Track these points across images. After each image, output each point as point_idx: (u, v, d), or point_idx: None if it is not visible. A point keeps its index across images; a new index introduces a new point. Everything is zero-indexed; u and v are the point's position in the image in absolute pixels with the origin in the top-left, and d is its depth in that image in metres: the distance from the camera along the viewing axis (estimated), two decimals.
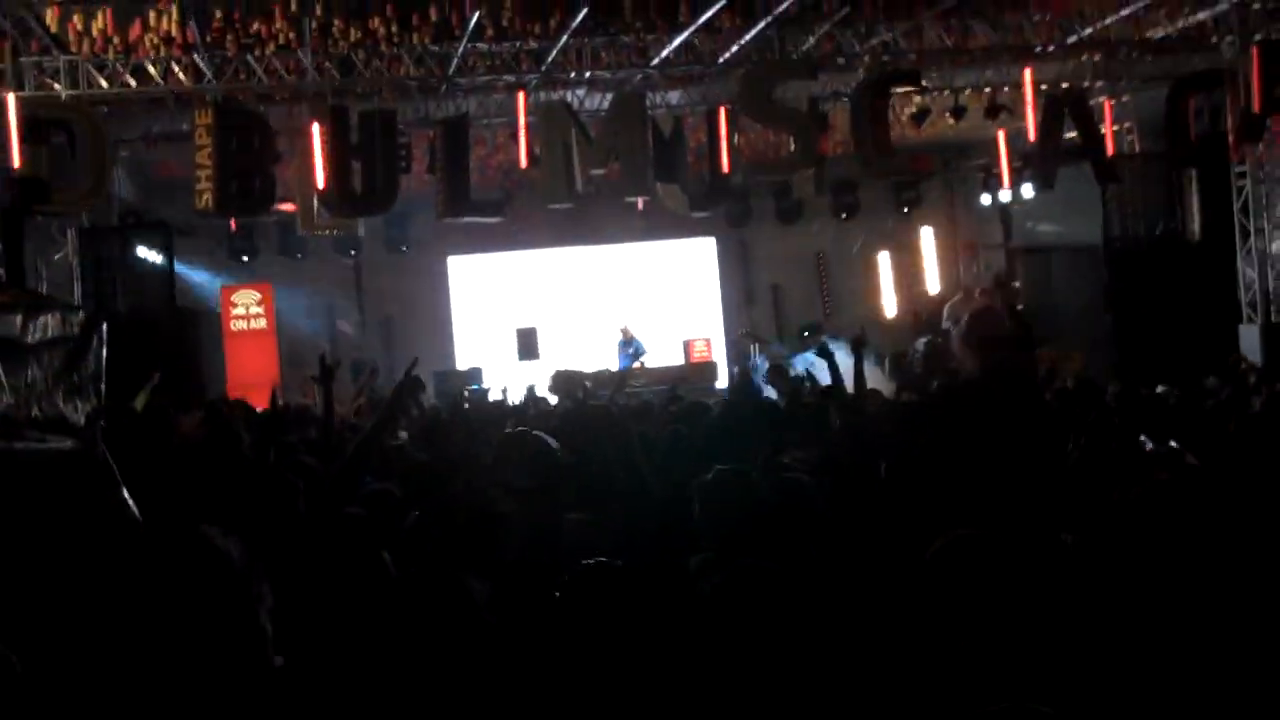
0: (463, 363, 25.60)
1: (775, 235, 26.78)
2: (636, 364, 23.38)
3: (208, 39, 17.06)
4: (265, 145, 18.20)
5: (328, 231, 22.65)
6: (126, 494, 4.79)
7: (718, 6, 16.92)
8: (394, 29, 17.11)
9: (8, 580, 4.34)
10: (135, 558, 3.11)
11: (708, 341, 25.80)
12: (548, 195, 19.09)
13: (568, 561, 4.65)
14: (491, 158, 22.18)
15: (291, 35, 17.13)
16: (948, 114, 20.95)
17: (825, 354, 7.28)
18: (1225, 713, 3.89)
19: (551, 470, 6.05)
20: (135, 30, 16.38)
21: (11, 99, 17.11)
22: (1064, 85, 20.44)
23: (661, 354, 24.36)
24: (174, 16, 15.84)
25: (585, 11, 16.79)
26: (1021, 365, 7.65)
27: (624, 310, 25.07)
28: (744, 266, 28.01)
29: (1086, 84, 20.76)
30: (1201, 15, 18.69)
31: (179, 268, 22.40)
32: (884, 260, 27.29)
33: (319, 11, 16.46)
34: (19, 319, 4.83)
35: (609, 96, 19.60)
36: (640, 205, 22.07)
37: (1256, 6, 18.59)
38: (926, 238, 27.18)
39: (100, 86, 17.83)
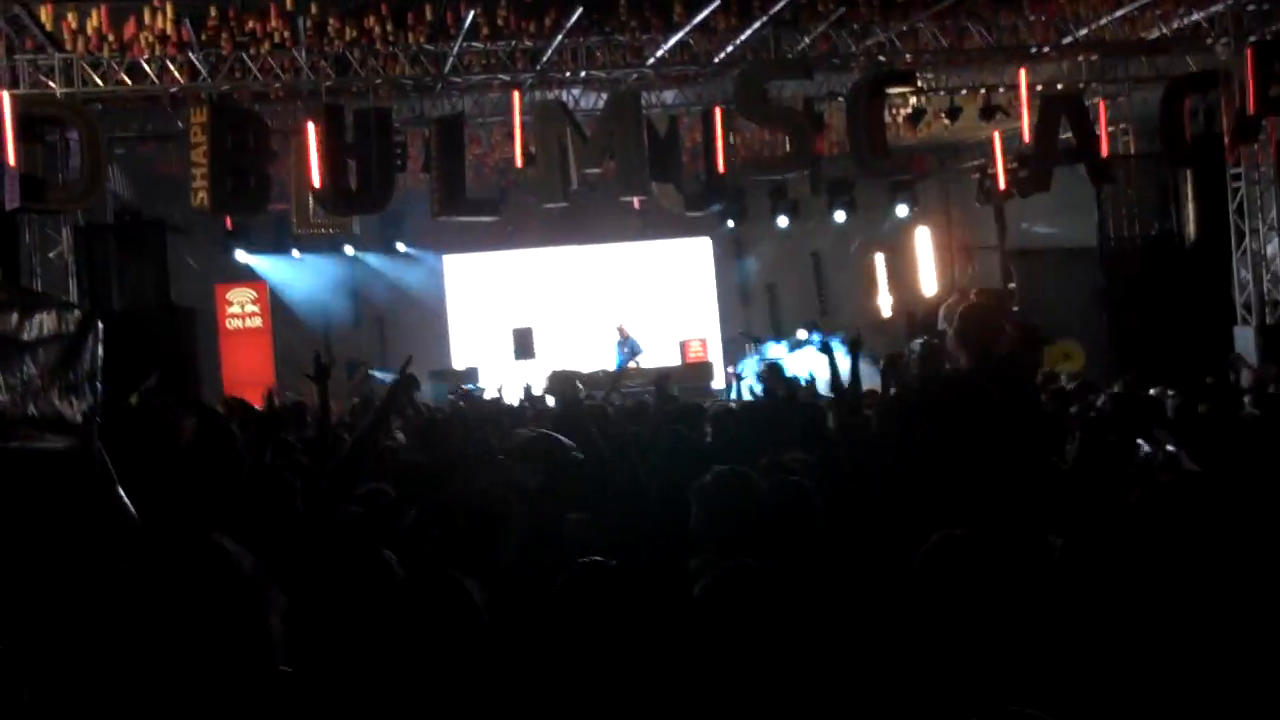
0: (458, 362, 25.61)
1: (771, 235, 26.78)
2: (632, 363, 23.38)
3: (203, 37, 17.06)
4: (260, 144, 18.19)
5: (323, 230, 22.68)
6: (122, 493, 4.78)
7: (713, 6, 16.93)
8: (389, 28, 17.09)
9: (2, 579, 4.33)
10: (145, 562, 3.10)
11: (703, 341, 25.83)
12: (543, 194, 19.08)
13: (566, 561, 4.65)
14: (487, 157, 22.17)
15: (287, 34, 17.11)
16: (943, 115, 20.96)
17: (826, 350, 7.27)
18: (1223, 716, 3.89)
19: (569, 472, 6.05)
20: (130, 28, 16.35)
21: (6, 97, 17.09)
22: (1059, 86, 20.47)
23: (657, 354, 24.36)
24: (169, 15, 15.79)
25: (580, 11, 16.79)
26: (1015, 362, 7.65)
27: (620, 310, 25.07)
28: (740, 266, 28.03)
29: (1082, 85, 20.79)
30: (1196, 16, 18.71)
31: (174, 266, 22.41)
32: (879, 261, 27.30)
33: (314, 10, 16.43)
34: (14, 317, 4.81)
35: (604, 96, 19.60)
36: (636, 204, 22.11)
37: (1251, 8, 18.61)
38: (922, 238, 27.20)
39: (95, 85, 17.83)
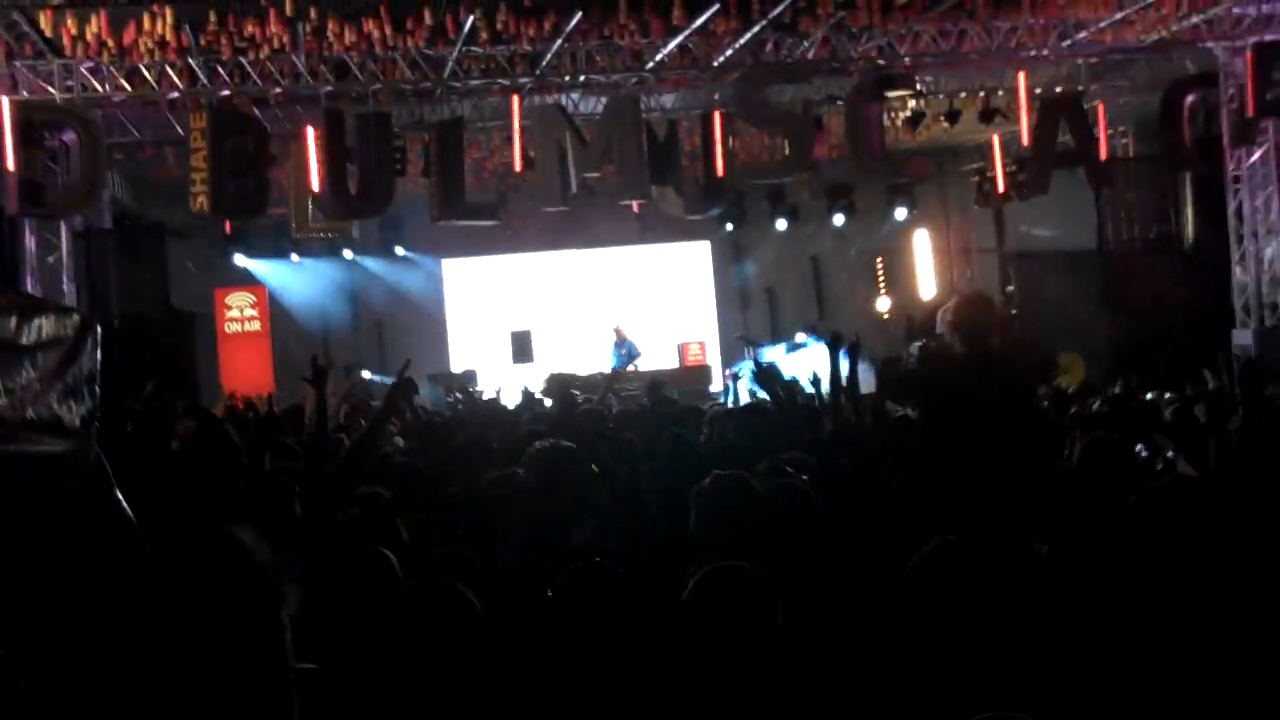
0: (457, 365, 25.60)
1: (770, 238, 26.79)
2: (631, 366, 23.36)
3: (202, 42, 17.05)
4: (260, 148, 18.22)
5: (322, 234, 22.72)
6: (120, 496, 4.78)
7: (712, 10, 16.93)
8: (388, 32, 17.09)
9: (1, 583, 4.34)
10: (162, 556, 3.10)
11: (702, 345, 25.81)
12: (542, 198, 19.11)
13: (566, 563, 4.66)
14: (486, 161, 22.18)
15: (286, 39, 17.10)
16: (942, 118, 20.97)
17: (834, 345, 7.26)
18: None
19: (579, 483, 6.05)
20: (129, 34, 16.35)
21: (6, 102, 17.11)
22: (1058, 89, 20.48)
23: (656, 357, 24.35)
24: (168, 20, 15.80)
25: (580, 15, 16.80)
26: (1013, 361, 7.65)
27: (618, 313, 25.07)
28: (739, 270, 28.03)
29: (1081, 88, 20.79)
30: (1196, 19, 18.71)
31: (173, 270, 22.43)
32: (879, 264, 27.30)
33: (313, 15, 16.44)
34: (13, 321, 4.82)
35: (604, 100, 19.62)
36: (635, 208, 22.12)
37: (1250, 11, 18.61)
38: (921, 241, 27.21)
39: (95, 90, 17.84)
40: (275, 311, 24.93)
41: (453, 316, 27.20)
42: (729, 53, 18.80)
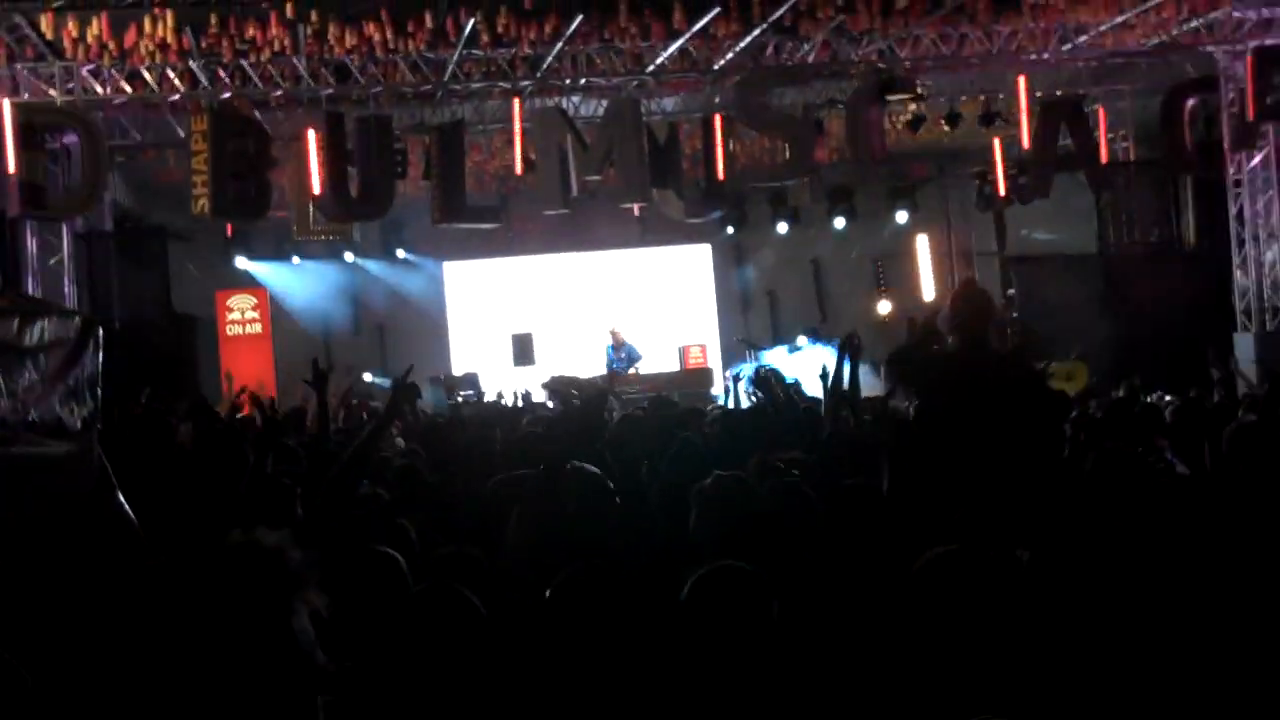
0: (458, 368, 25.58)
1: (771, 241, 26.77)
2: (631, 370, 23.34)
3: (203, 45, 17.07)
4: (261, 151, 18.24)
5: (323, 237, 22.73)
6: (122, 498, 4.79)
7: (713, 13, 16.94)
8: (389, 35, 17.10)
9: (3, 584, 4.35)
10: (176, 555, 3.11)
11: (703, 348, 25.78)
12: (543, 201, 19.12)
13: (566, 564, 4.67)
14: (487, 164, 22.20)
15: (287, 41, 17.12)
16: (943, 121, 20.98)
17: (846, 349, 7.27)
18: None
19: (603, 500, 6.06)
20: (130, 36, 16.36)
21: (7, 105, 17.12)
22: (1059, 93, 20.48)
23: (657, 360, 24.34)
24: (169, 23, 15.81)
25: (580, 18, 16.81)
26: (1018, 362, 7.65)
27: (619, 316, 25.03)
28: (740, 273, 28.00)
29: (1081, 91, 20.80)
30: (1196, 23, 18.72)
31: (175, 272, 22.44)
32: (880, 266, 27.28)
33: (314, 18, 16.45)
34: (15, 324, 4.83)
35: (604, 103, 19.63)
36: (636, 211, 22.10)
37: (1251, 14, 18.62)
38: (922, 245, 27.19)
39: (96, 92, 17.86)
40: (277, 314, 24.93)
41: (454, 319, 27.17)
42: (729, 56, 18.82)
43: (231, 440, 6.37)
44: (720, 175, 19.36)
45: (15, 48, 17.18)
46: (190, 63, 17.67)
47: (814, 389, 10.40)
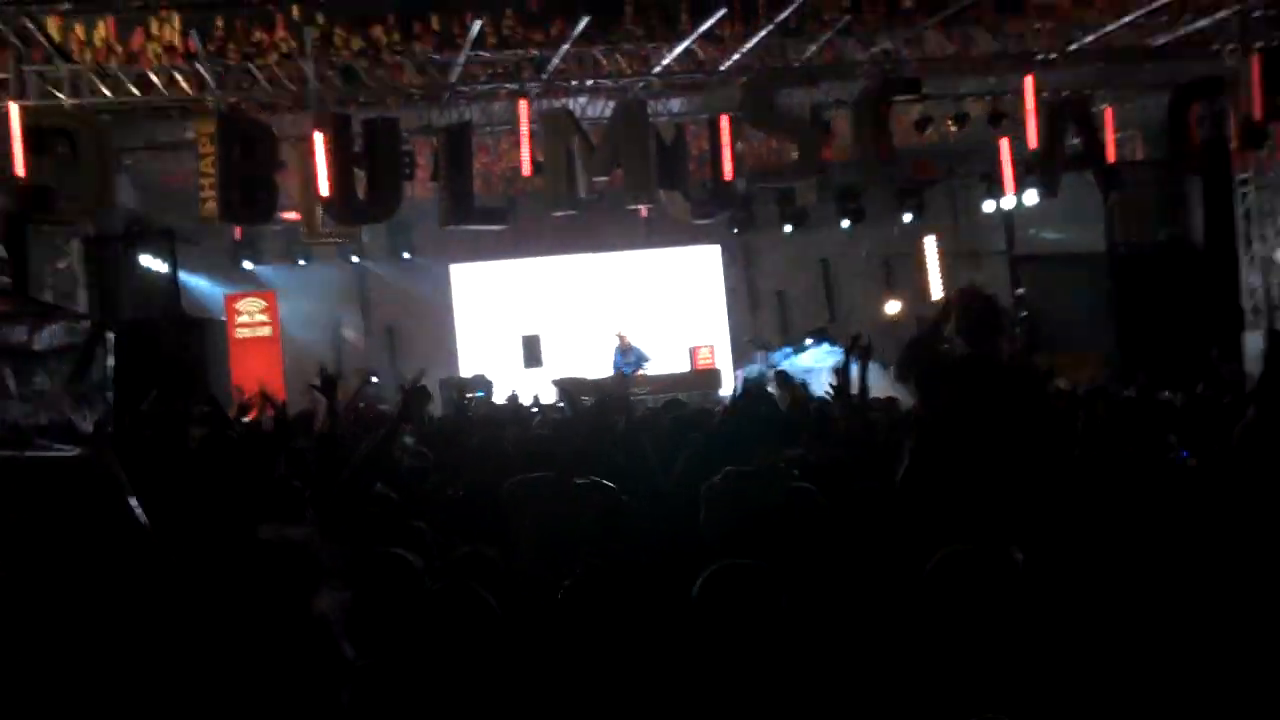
0: (466, 370, 25.60)
1: (779, 242, 26.73)
2: (640, 372, 23.34)
3: (210, 48, 17.09)
4: (268, 153, 18.24)
5: (331, 240, 22.70)
6: (133, 501, 4.80)
7: (719, 15, 16.95)
8: (396, 38, 17.14)
9: (16, 586, 4.36)
10: (201, 553, 3.12)
11: (712, 348, 25.79)
12: (550, 203, 19.13)
13: (580, 561, 4.68)
14: (494, 165, 22.20)
15: (293, 44, 17.16)
16: (950, 121, 20.96)
17: (861, 352, 7.26)
18: None
19: (619, 516, 6.07)
20: (137, 39, 16.41)
21: (15, 108, 17.13)
22: (1066, 93, 20.46)
23: (666, 361, 24.34)
24: (176, 26, 15.87)
25: (587, 20, 16.82)
26: (1023, 368, 7.63)
27: (627, 317, 25.03)
28: (748, 273, 27.99)
29: (1089, 91, 20.77)
30: (1203, 23, 18.70)
31: (183, 276, 22.49)
32: (888, 266, 27.27)
33: (321, 20, 16.49)
34: (26, 328, 4.85)
35: (611, 104, 19.63)
36: (643, 212, 22.09)
37: (1257, 14, 18.60)
38: (930, 245, 27.16)
39: (103, 95, 17.87)
40: (285, 317, 24.93)
41: (462, 321, 27.18)
42: (736, 57, 18.82)
43: (248, 446, 6.38)
44: (727, 176, 19.35)
45: (23, 50, 17.21)
46: (197, 66, 17.70)
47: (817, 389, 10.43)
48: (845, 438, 7.25)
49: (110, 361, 4.94)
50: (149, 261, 21.30)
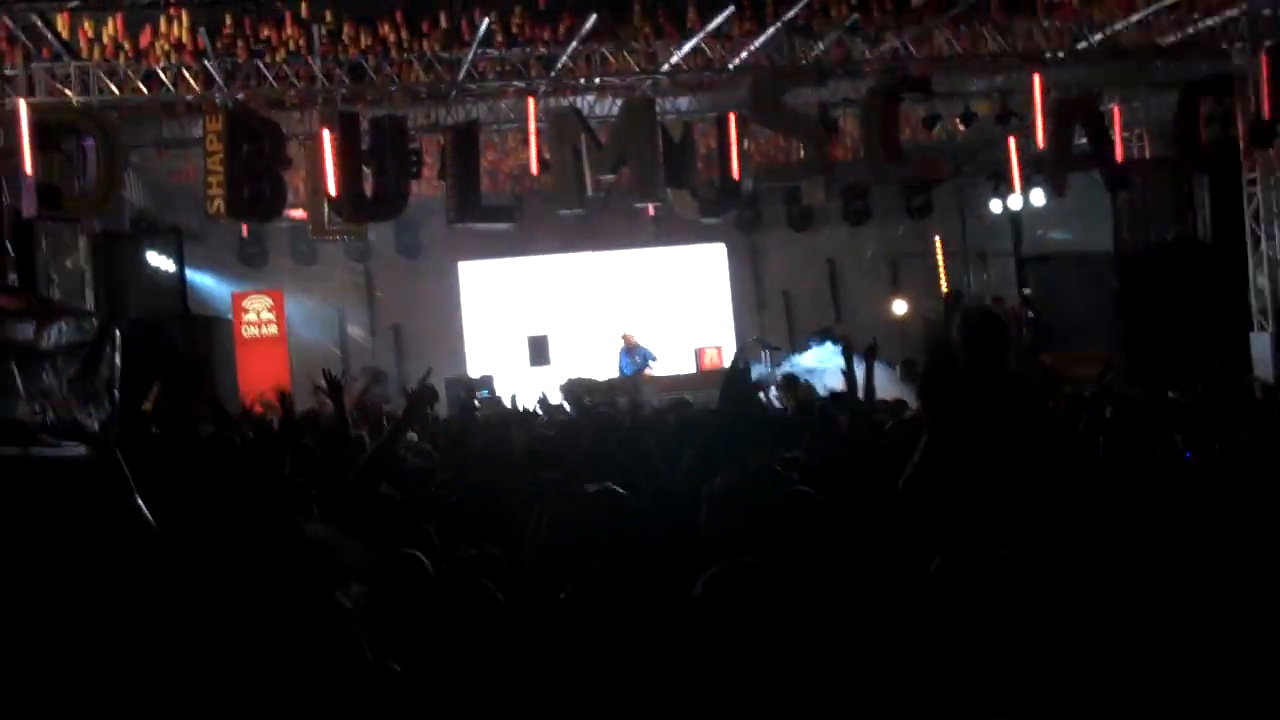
0: (474, 369, 25.59)
1: (786, 241, 26.76)
2: (646, 371, 23.31)
3: (218, 45, 17.10)
4: (276, 151, 18.25)
5: (338, 237, 22.74)
6: (140, 501, 4.80)
7: (727, 13, 16.94)
8: (404, 35, 17.13)
9: (22, 586, 4.36)
10: (216, 550, 3.10)
11: (719, 349, 25.76)
12: (558, 201, 19.13)
13: (586, 562, 4.68)
14: (502, 163, 22.21)
15: (301, 41, 17.16)
16: (958, 120, 20.95)
17: (871, 353, 7.26)
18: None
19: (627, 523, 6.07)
20: (146, 36, 16.41)
21: (23, 105, 17.15)
22: (1074, 92, 20.44)
23: (672, 361, 24.32)
24: (184, 23, 15.87)
25: (595, 17, 16.82)
26: (1028, 380, 7.62)
27: (634, 316, 25.01)
28: (755, 272, 27.97)
29: (1097, 90, 20.75)
30: (1211, 21, 18.68)
31: (191, 274, 22.47)
32: (894, 266, 27.26)
33: (329, 18, 16.49)
34: (33, 326, 4.84)
35: (619, 102, 19.63)
36: (650, 211, 22.10)
37: (1266, 13, 18.57)
38: (937, 244, 27.14)
39: (111, 92, 17.88)
40: (293, 315, 24.95)
41: (469, 320, 27.17)
42: (744, 55, 18.81)
43: (254, 445, 6.39)
44: (734, 174, 19.34)
45: (31, 47, 17.23)
46: (205, 63, 17.71)
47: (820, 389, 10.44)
48: (849, 438, 7.25)
49: (118, 360, 4.94)
50: (156, 259, 21.31)
